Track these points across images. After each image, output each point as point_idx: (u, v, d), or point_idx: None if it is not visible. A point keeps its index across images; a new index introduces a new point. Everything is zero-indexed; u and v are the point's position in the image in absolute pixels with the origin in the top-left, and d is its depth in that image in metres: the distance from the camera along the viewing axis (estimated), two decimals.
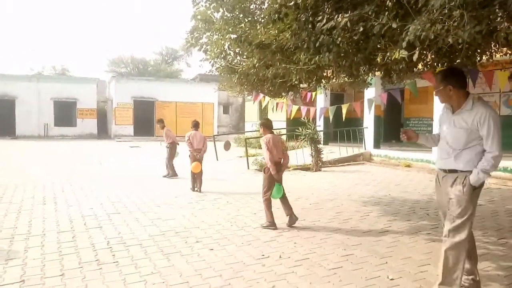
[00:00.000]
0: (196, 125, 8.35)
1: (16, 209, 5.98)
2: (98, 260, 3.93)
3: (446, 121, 3.15)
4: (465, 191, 2.91)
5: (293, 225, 5.25)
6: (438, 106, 11.18)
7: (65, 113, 27.86)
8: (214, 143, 13.90)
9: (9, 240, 4.52)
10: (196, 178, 7.88)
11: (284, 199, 5.36)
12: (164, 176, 9.58)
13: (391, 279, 3.51)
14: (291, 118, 11.53)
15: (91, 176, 9.69)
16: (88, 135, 28.23)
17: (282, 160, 5.32)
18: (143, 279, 3.50)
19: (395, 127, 17.16)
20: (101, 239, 4.61)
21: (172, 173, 9.61)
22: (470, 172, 2.91)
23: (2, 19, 71.67)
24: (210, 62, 5.97)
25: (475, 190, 2.93)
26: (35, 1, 74.68)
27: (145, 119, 28.01)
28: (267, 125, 5.51)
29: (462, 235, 2.92)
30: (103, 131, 29.85)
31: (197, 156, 7.97)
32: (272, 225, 5.17)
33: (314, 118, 12.37)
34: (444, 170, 3.08)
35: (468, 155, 2.93)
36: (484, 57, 4.72)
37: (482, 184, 2.97)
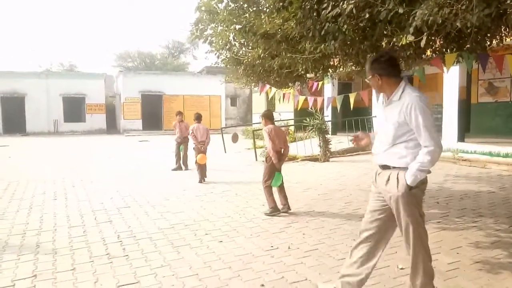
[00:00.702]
0: (198, 118, 8.47)
1: (28, 205, 6.05)
2: (109, 254, 3.96)
3: (380, 113, 2.86)
4: (399, 190, 2.58)
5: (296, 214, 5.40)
6: (448, 93, 11.03)
7: (74, 109, 28.10)
8: (222, 135, 13.90)
9: (21, 235, 4.58)
10: (201, 169, 8.01)
11: (281, 188, 5.55)
12: (174, 170, 9.65)
13: (401, 268, 3.49)
14: (298, 109, 11.43)
15: (101, 170, 9.76)
16: (97, 130, 28.45)
17: (283, 149, 5.50)
18: (153, 272, 3.52)
19: None
20: (111, 233, 4.65)
21: (178, 166, 9.69)
22: (405, 169, 2.58)
23: (10, 16, 72.17)
24: (215, 54, 5.96)
25: (412, 190, 2.57)
26: None
27: (153, 113, 28.13)
28: (268, 116, 5.67)
29: (418, 247, 2.74)
30: (112, 126, 30.07)
31: (201, 148, 8.12)
32: (275, 210, 5.37)
33: (322, 108, 12.28)
34: (380, 166, 2.76)
35: (400, 151, 2.60)
36: (494, 41, 4.62)
37: (423, 184, 2.65)
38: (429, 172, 2.57)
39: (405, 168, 2.57)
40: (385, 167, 2.69)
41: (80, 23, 76.41)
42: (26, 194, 6.86)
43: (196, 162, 8.02)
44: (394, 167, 2.63)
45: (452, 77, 10.68)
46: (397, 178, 2.60)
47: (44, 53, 69.45)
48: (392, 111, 2.64)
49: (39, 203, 6.17)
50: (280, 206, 5.43)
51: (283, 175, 5.50)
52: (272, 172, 5.42)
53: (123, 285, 3.26)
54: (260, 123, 20.87)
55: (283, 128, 10.65)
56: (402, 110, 2.54)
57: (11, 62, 67.64)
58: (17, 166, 10.77)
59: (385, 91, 2.73)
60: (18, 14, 73.56)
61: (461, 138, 10.74)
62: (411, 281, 2.79)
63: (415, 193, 2.62)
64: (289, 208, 5.46)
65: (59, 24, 76.31)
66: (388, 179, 2.65)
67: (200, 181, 7.94)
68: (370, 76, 2.72)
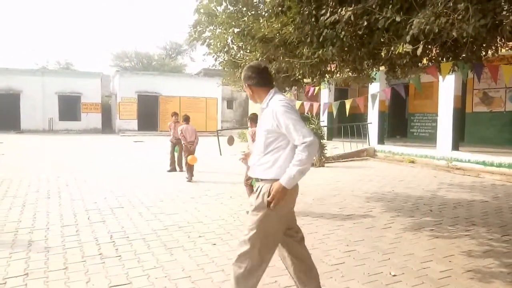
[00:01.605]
0: (186, 119, 8.88)
1: (21, 203, 6.02)
2: (101, 254, 3.95)
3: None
4: (256, 204, 2.50)
5: None
6: (443, 101, 11.11)
7: (69, 107, 27.98)
8: (218, 138, 13.90)
9: (13, 233, 4.55)
10: (191, 169, 8.33)
11: None
12: (170, 171, 9.68)
13: (394, 275, 3.50)
14: None
15: (95, 170, 9.72)
16: (92, 129, 28.35)
17: None
18: (145, 273, 3.50)
19: (400, 122, 17.12)
20: (104, 233, 4.63)
21: (173, 168, 9.75)
22: (271, 181, 2.49)
23: (7, 14, 71.85)
24: (213, 56, 5.96)
25: (269, 209, 2.47)
26: None
27: (149, 114, 28.08)
28: (253, 118, 6.05)
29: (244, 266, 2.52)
30: (107, 126, 29.96)
31: (190, 148, 8.57)
32: None
33: (318, 113, 12.33)
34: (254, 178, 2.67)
35: (268, 162, 2.54)
36: (489, 52, 4.67)
37: (284, 207, 2.56)
38: (307, 169, 2.46)
39: (271, 180, 2.50)
40: (257, 179, 2.61)
41: (79, 22, 76.27)
42: (20, 192, 6.81)
43: (186, 163, 8.32)
44: (262, 179, 2.56)
45: (447, 86, 10.78)
46: (260, 189, 2.53)
47: (41, 51, 69.23)
48: (263, 119, 2.62)
49: (32, 201, 6.14)
50: None
51: None
52: None
53: (115, 286, 3.25)
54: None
55: None
56: (270, 117, 2.52)
57: (7, 59, 67.19)
58: (10, 164, 10.70)
59: (257, 100, 2.74)
60: (16, 11, 73.30)
61: (455, 147, 10.82)
62: None
63: (271, 214, 2.50)
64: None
65: (57, 22, 76.10)
66: (256, 191, 2.58)
67: (189, 180, 8.22)
68: (244, 87, 2.76)
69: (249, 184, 5.67)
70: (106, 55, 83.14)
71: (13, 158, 12.11)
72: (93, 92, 28.58)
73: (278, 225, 2.59)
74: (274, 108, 2.51)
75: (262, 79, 2.66)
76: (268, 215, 2.49)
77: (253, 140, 5.64)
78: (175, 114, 10.35)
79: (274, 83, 2.79)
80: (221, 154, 13.21)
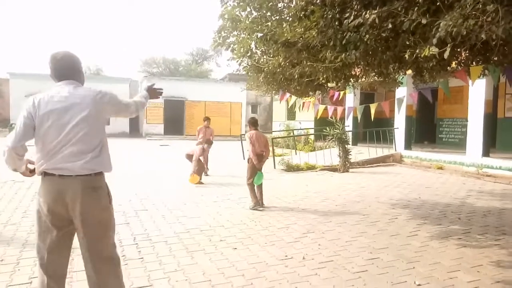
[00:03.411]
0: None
1: None
2: (125, 255, 4.00)
3: None
4: None
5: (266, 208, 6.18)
6: (473, 106, 10.78)
7: None
8: (241, 142, 13.93)
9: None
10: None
11: (260, 187, 6.27)
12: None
13: (418, 285, 3.39)
14: (318, 118, 11.36)
15: (121, 173, 9.91)
16: (120, 133, 28.94)
17: (264, 152, 6.29)
18: (166, 276, 3.53)
19: (428, 127, 16.70)
20: (128, 235, 4.70)
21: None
22: None
23: (40, 20, 74.64)
24: (237, 61, 5.99)
25: None
26: (69, 2, 77.31)
27: (175, 118, 28.49)
28: (252, 122, 6.43)
29: None
30: (134, 130, 30.56)
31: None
32: (257, 204, 6.13)
33: (343, 118, 12.19)
34: None
35: None
36: None
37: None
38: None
39: None
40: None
41: (109, 29, 78.41)
42: None
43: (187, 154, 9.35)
44: None
45: (477, 90, 10.44)
46: None
47: None
48: None
49: None
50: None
51: (292, 178, 5.51)
52: (254, 171, 6.19)
53: None
54: (280, 131, 20.88)
55: (275, 135, 10.61)
56: None
57: (36, 65, 69.76)
58: None
59: None
60: (47, 17, 76.06)
61: (486, 153, 10.45)
62: None
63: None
64: (262, 204, 6.22)
65: (87, 29, 78.48)
66: None
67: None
68: None
69: (251, 183, 6.18)
70: (135, 61, 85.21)
71: None
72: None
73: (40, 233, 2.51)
74: None
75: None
76: None
77: (251, 142, 6.16)
78: (207, 118, 10.26)
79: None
80: (244, 158, 13.22)
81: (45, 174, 2.43)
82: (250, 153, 6.20)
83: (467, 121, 11.27)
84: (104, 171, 2.57)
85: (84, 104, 2.46)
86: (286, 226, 5.19)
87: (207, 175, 9.56)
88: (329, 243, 4.52)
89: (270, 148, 6.86)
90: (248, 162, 6.34)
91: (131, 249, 4.21)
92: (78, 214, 2.43)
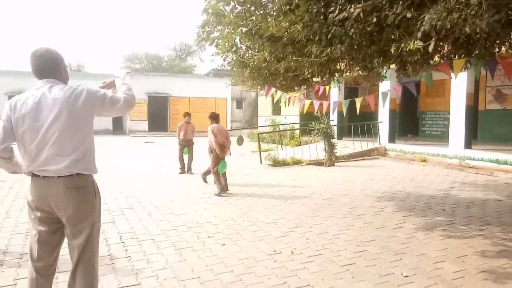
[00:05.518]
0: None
1: None
2: (111, 254, 3.95)
3: None
4: None
5: (222, 195, 6.75)
6: (455, 99, 10.95)
7: None
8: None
9: (24, 234, 4.58)
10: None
11: (225, 174, 7.00)
12: (181, 173, 9.59)
13: (405, 276, 3.44)
14: (304, 113, 11.38)
15: (105, 171, 9.77)
16: (103, 130, 28.54)
17: (226, 143, 7.05)
18: (154, 274, 3.50)
19: (411, 121, 16.91)
20: (114, 234, 4.64)
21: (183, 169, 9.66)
22: None
23: (18, 16, 72.89)
24: (221, 57, 5.95)
25: None
26: None
27: (159, 115, 28.18)
28: (213, 117, 7.17)
29: None
30: (118, 127, 30.14)
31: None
32: (223, 189, 6.79)
33: (328, 112, 12.24)
34: None
35: None
36: (503, 48, 4.57)
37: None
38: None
39: None
40: None
41: (90, 25, 77.00)
42: None
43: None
44: None
45: (459, 84, 10.60)
46: None
47: None
48: None
49: None
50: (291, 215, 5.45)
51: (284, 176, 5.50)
52: (217, 160, 6.90)
53: (124, 287, 3.25)
54: (265, 126, 20.77)
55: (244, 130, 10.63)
56: None
57: (17, 62, 68.16)
58: None
59: None
60: (26, 15, 74.30)
61: (468, 145, 10.64)
62: None
63: None
64: (227, 189, 6.87)
65: (68, 25, 76.95)
66: None
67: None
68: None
69: (216, 171, 6.86)
70: (117, 57, 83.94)
71: None
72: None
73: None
74: None
75: None
76: None
77: (213, 133, 6.84)
78: (187, 114, 9.99)
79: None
80: (230, 154, 13.17)
81: (32, 174, 2.42)
82: (213, 144, 6.89)
83: (449, 114, 11.44)
84: (87, 173, 2.50)
85: (56, 106, 2.37)
86: (274, 221, 5.20)
87: (192, 173, 9.49)
88: (317, 237, 4.55)
89: (256, 144, 6.91)
90: (212, 152, 7.02)
91: (118, 248, 4.15)
92: (63, 213, 2.42)
